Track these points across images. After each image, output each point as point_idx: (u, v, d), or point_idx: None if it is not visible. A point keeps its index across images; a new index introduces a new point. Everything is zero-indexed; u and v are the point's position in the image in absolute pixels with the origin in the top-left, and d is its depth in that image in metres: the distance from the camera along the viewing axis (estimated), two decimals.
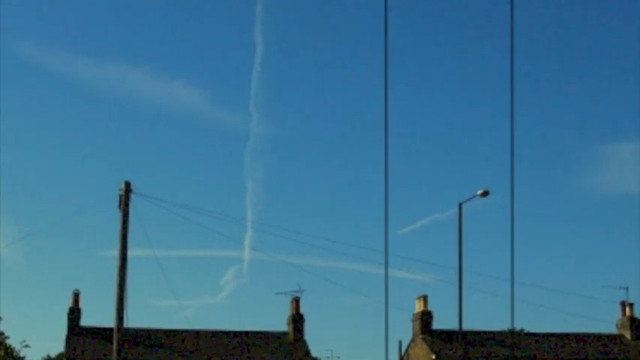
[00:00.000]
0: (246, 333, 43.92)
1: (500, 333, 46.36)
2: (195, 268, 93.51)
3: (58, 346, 63.04)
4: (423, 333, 43.07)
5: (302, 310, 44.16)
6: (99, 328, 40.89)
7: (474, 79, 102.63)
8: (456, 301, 32.37)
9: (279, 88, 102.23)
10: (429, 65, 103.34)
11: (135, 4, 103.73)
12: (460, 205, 32.92)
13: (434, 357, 41.34)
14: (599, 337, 45.44)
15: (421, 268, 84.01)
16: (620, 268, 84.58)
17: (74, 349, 40.29)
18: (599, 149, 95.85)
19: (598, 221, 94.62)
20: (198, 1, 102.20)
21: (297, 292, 43.94)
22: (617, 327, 46.31)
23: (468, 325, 35.64)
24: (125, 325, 26.81)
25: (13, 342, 48.49)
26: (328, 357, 58.06)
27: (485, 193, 32.71)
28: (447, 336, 42.07)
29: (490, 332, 44.57)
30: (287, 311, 44.58)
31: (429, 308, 43.58)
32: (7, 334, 48.71)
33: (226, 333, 43.60)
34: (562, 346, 44.06)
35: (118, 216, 27.03)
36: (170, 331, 42.91)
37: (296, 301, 44.14)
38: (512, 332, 49.82)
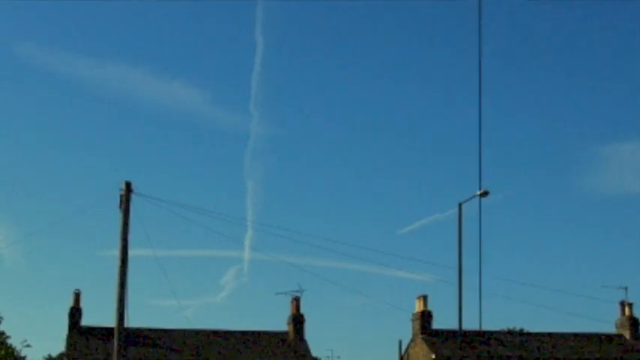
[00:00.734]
0: (247, 333, 43.99)
1: (500, 333, 46.44)
2: (195, 268, 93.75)
3: (59, 346, 63.17)
4: (422, 333, 43.13)
5: (302, 310, 44.27)
6: (100, 328, 41.01)
7: (474, 79, 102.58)
8: (455, 301, 32.44)
9: (279, 88, 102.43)
10: (429, 66, 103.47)
11: (135, 4, 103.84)
12: (460, 205, 32.96)
13: (434, 357, 41.41)
14: (598, 336, 45.50)
15: (421, 268, 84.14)
16: (620, 268, 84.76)
17: (75, 349, 40.39)
18: (599, 149, 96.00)
19: (598, 221, 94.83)
20: (198, 2, 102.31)
21: (297, 292, 44.08)
22: (616, 327, 46.36)
23: (468, 325, 35.69)
24: (126, 325, 26.83)
25: (14, 342, 48.59)
26: (328, 357, 58.23)
27: (485, 193, 32.75)
28: (447, 336, 42.14)
29: (490, 332, 44.63)
30: (287, 311, 44.71)
31: (429, 308, 43.65)
32: (8, 333, 48.82)
33: (226, 333, 43.67)
34: (562, 346, 44.12)
35: (118, 216, 27.05)
36: (170, 330, 42.99)
37: (296, 301, 44.22)
38: (511, 332, 49.90)
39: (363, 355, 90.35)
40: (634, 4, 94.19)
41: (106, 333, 37.92)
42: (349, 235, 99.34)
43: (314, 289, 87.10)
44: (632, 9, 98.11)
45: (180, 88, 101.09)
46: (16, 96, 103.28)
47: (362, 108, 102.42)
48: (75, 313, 41.63)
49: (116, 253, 26.95)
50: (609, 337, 45.60)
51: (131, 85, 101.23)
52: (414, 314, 44.09)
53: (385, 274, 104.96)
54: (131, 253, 26.89)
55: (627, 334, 45.54)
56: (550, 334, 45.20)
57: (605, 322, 48.27)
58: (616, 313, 46.45)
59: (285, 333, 44.23)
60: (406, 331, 44.76)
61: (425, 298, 43.88)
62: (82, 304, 41.89)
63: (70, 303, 41.83)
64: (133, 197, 26.96)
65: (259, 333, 44.15)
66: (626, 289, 45.85)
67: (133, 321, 28.02)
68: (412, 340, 44.14)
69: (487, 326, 45.58)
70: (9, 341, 48.24)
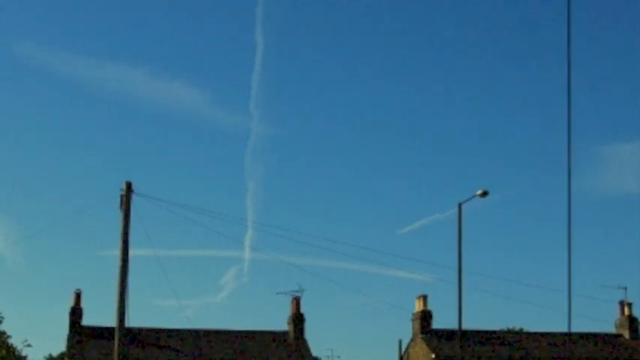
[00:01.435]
0: (247, 333, 44.06)
1: (500, 332, 46.51)
2: (195, 267, 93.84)
3: (60, 346, 63.37)
4: (422, 332, 43.20)
5: (302, 310, 44.34)
6: (100, 328, 41.07)
7: (473, 80, 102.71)
8: (455, 300, 32.52)
9: (279, 88, 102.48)
10: (429, 65, 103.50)
11: (135, 4, 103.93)
12: (460, 205, 33.04)
13: (433, 356, 41.48)
14: (598, 336, 45.57)
15: (421, 268, 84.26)
16: (620, 267, 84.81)
17: (76, 349, 40.47)
18: (599, 149, 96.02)
19: (598, 221, 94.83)
20: (198, 2, 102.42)
21: (297, 291, 44.14)
22: (615, 326, 46.44)
23: (468, 325, 35.78)
24: (126, 325, 26.90)
25: (15, 341, 48.80)
26: (328, 356, 58.40)
27: (485, 194, 32.83)
28: (447, 335, 42.19)
29: (490, 332, 44.71)
30: (287, 311, 44.77)
31: (429, 308, 43.73)
32: (8, 333, 48.95)
33: (227, 332, 43.74)
34: (561, 346, 44.18)
35: (118, 216, 27.11)
36: (171, 330, 43.06)
37: (296, 301, 44.28)
38: (511, 332, 49.99)
39: (363, 355, 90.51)
40: (634, 5, 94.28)
41: (106, 333, 37.96)
42: (349, 235, 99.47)
43: (314, 289, 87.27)
44: (632, 9, 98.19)
45: (180, 88, 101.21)
46: (16, 96, 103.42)
47: (362, 108, 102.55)
48: (75, 312, 41.71)
49: (117, 253, 27.04)
50: (609, 337, 45.68)
51: (131, 85, 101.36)
52: (414, 314, 44.15)
53: (385, 274, 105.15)
54: (132, 253, 26.98)
55: (626, 334, 45.61)
56: (550, 334, 45.27)
57: (605, 321, 48.41)
58: (615, 313, 46.56)
59: (285, 333, 44.30)
60: (406, 330, 44.92)
61: (425, 297, 43.95)
62: (83, 304, 42.01)
63: (71, 303, 41.91)
64: (134, 197, 27.02)
65: (259, 333, 44.21)
66: (625, 289, 45.99)
67: (133, 321, 28.13)
68: (412, 340, 44.21)
69: (487, 326, 45.82)
70: (10, 341, 48.43)
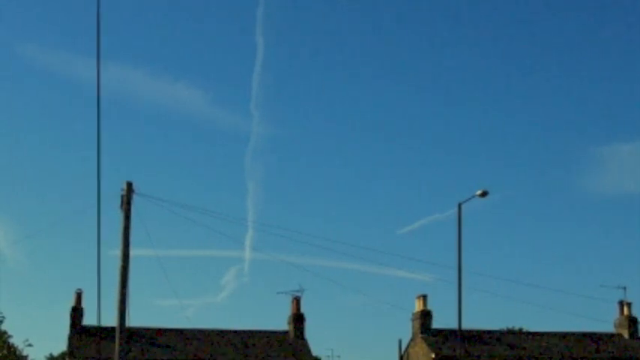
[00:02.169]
0: (247, 332, 44.14)
1: (500, 332, 46.58)
2: (196, 267, 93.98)
3: (61, 345, 63.50)
4: (422, 332, 43.28)
5: (302, 310, 44.43)
6: (101, 328, 41.10)
7: (473, 80, 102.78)
8: (455, 300, 32.61)
9: (279, 88, 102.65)
10: (429, 65, 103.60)
11: (135, 4, 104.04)
12: (460, 205, 33.13)
13: (433, 356, 41.56)
14: (597, 336, 45.65)
15: (421, 268, 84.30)
16: (619, 267, 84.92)
17: (77, 348, 40.54)
18: (598, 150, 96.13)
19: (598, 221, 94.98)
20: (199, 3, 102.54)
21: (297, 291, 44.23)
22: (615, 326, 46.52)
23: (468, 325, 35.86)
24: (127, 325, 26.97)
25: (16, 341, 48.77)
26: (329, 356, 58.48)
27: (485, 194, 32.92)
28: (447, 335, 42.28)
29: (490, 332, 44.79)
30: (288, 311, 44.86)
31: (429, 307, 43.81)
32: (10, 333, 48.97)
33: (227, 332, 43.82)
34: (561, 346, 44.27)
35: (119, 216, 27.17)
36: (172, 330, 43.13)
37: (296, 301, 44.36)
38: (511, 332, 50.06)
39: (363, 355, 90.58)
40: (634, 5, 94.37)
41: (107, 332, 38.02)
42: (349, 235, 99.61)
43: (314, 289, 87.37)
44: (632, 9, 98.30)
45: (181, 89, 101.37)
46: (16, 96, 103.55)
47: (362, 108, 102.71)
48: (77, 312, 41.78)
49: (117, 252, 27.09)
50: (608, 337, 45.76)
51: (131, 85, 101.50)
52: (413, 314, 44.22)
53: (385, 274, 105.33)
54: (132, 253, 27.03)
55: (626, 334, 45.69)
56: (550, 334, 45.35)
57: (604, 321, 48.49)
58: (615, 313, 46.65)
59: (286, 332, 44.38)
60: (406, 330, 45.01)
61: (425, 297, 44.03)
62: (84, 304, 42.07)
63: (72, 303, 41.99)
64: (134, 197, 27.06)
65: (260, 333, 44.29)
66: (624, 288, 46.10)
67: (134, 320, 28.20)
68: (412, 340, 44.29)
69: (487, 326, 45.89)
70: (11, 340, 48.41)
